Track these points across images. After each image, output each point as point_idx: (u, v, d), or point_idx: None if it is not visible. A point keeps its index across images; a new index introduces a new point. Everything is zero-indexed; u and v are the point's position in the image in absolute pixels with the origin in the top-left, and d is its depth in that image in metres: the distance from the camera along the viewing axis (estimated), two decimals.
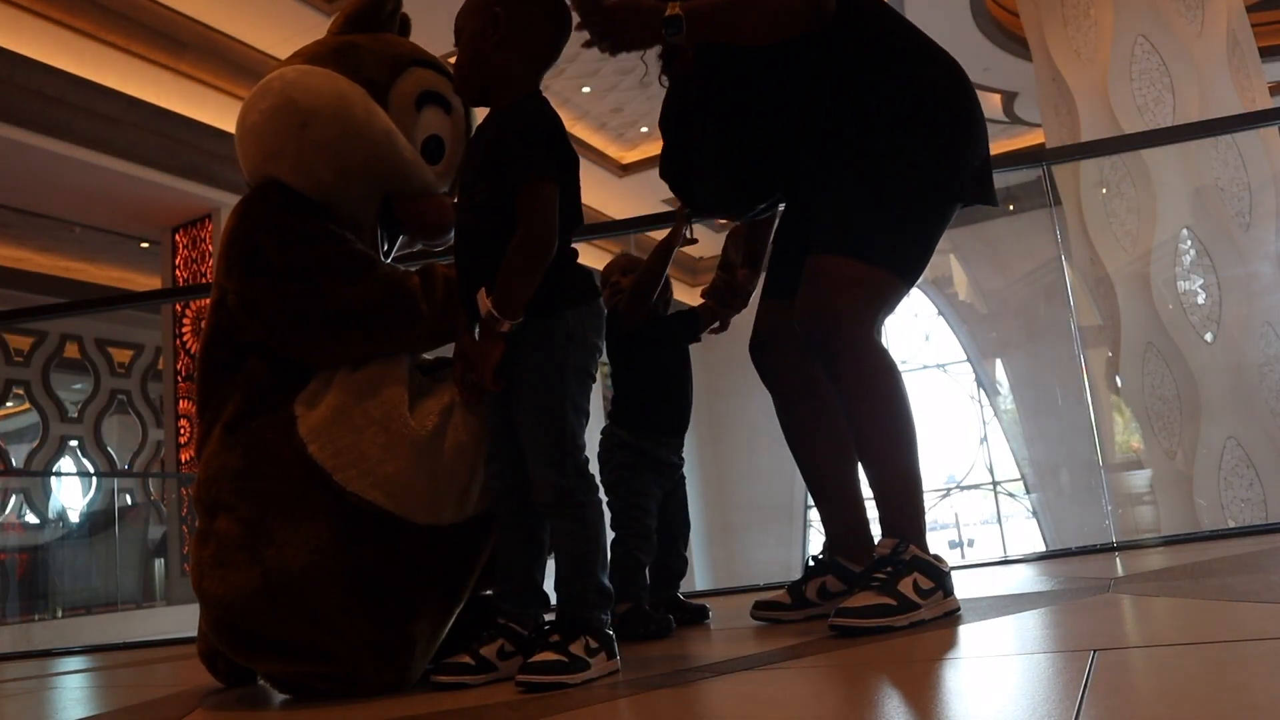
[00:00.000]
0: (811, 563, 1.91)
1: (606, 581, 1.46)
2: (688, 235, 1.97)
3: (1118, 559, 2.54)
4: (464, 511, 1.54)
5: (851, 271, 1.65)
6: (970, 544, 11.86)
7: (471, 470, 1.54)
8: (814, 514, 12.74)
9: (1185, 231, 5.51)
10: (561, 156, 1.48)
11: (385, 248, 1.77)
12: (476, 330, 1.53)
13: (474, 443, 1.55)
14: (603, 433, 1.98)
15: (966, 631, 1.45)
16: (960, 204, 1.74)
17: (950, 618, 1.56)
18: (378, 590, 1.46)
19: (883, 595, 1.50)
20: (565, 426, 1.45)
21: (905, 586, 1.52)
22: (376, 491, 1.47)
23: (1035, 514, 10.27)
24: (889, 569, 1.55)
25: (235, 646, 1.49)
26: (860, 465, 1.74)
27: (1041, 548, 4.96)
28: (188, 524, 8.18)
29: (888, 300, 1.69)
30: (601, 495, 1.52)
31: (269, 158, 1.65)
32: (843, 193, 1.69)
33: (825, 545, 1.91)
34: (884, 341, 1.75)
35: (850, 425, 1.71)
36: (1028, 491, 10.48)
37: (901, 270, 1.69)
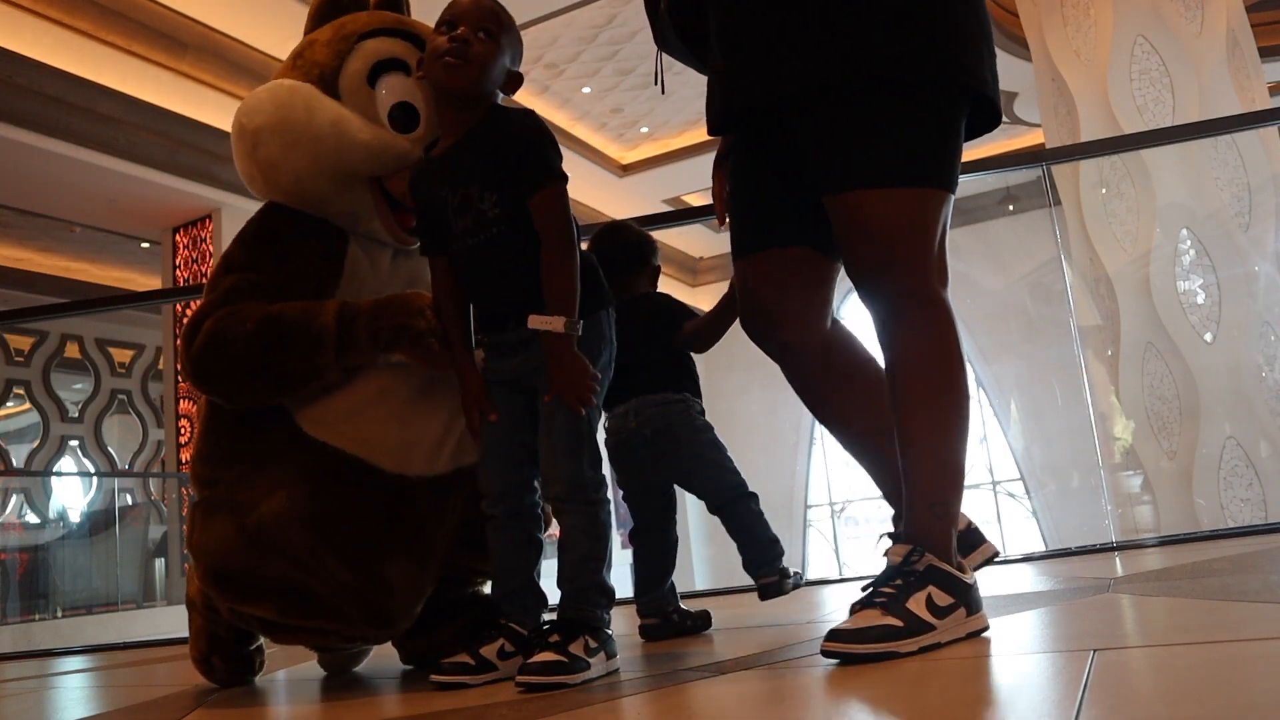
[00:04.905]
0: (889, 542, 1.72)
1: (609, 581, 1.47)
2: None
3: (1118, 559, 2.54)
4: (433, 467, 1.59)
5: (899, 204, 1.40)
6: None
7: (444, 428, 1.59)
8: (814, 514, 12.74)
9: (1185, 231, 5.51)
10: (560, 157, 1.52)
11: (412, 224, 1.70)
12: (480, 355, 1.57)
13: (445, 401, 1.59)
14: (678, 403, 1.88)
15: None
16: (975, 97, 1.46)
17: (974, 639, 1.34)
18: (346, 533, 1.50)
19: (888, 615, 1.27)
20: (588, 422, 1.49)
21: (916, 604, 1.29)
22: (344, 439, 1.53)
23: (1035, 514, 10.26)
24: (898, 582, 1.32)
25: (224, 592, 1.52)
26: (897, 440, 1.45)
27: (1041, 548, 4.96)
28: (188, 524, 8.18)
29: (942, 221, 1.45)
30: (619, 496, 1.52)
31: (250, 184, 1.69)
32: (848, 103, 1.41)
33: (895, 524, 1.70)
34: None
35: (891, 393, 1.44)
36: (1028, 491, 10.47)
37: (946, 179, 1.44)
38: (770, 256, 1.59)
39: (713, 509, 1.89)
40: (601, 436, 1.67)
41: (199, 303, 1.59)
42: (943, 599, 1.31)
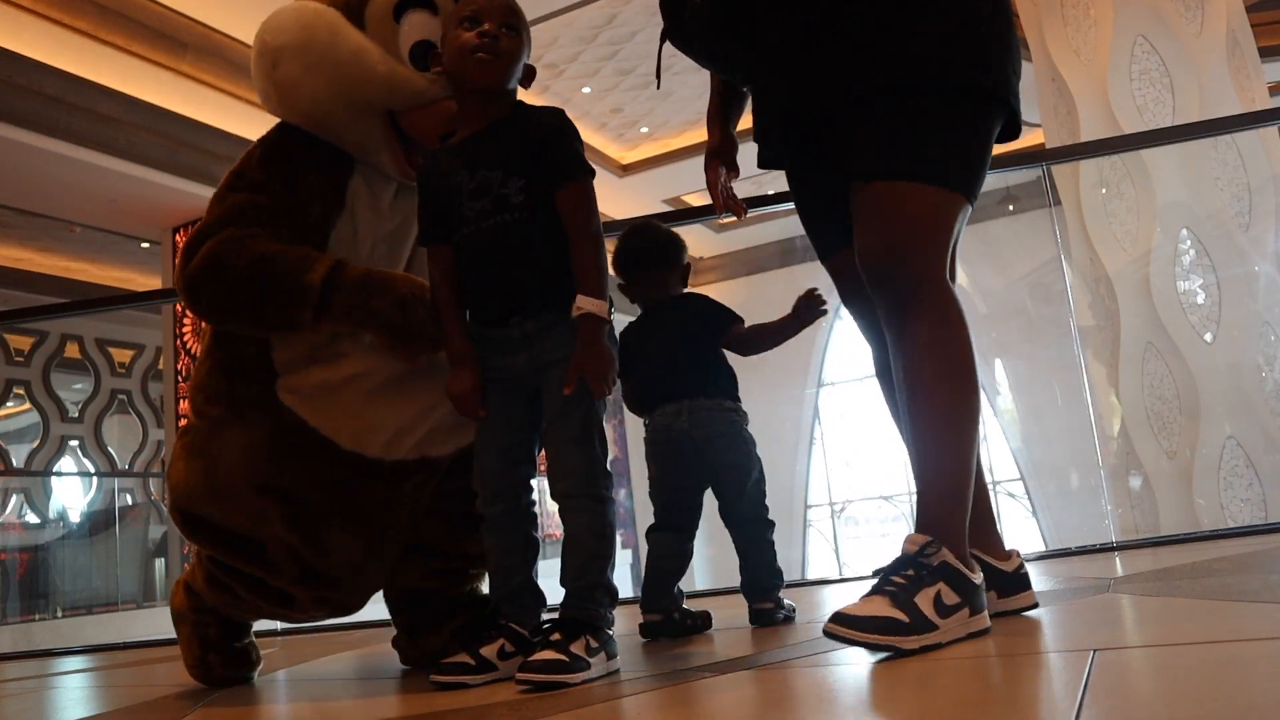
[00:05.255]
0: None
1: (613, 581, 1.47)
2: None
3: (1118, 559, 2.54)
4: (393, 452, 1.61)
5: (915, 198, 1.43)
6: None
7: (413, 418, 1.62)
8: (814, 514, 12.70)
9: (1185, 231, 5.51)
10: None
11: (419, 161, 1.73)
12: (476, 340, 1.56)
13: (422, 391, 1.62)
14: (732, 412, 1.89)
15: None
16: (1006, 110, 1.51)
17: (974, 639, 1.33)
18: (293, 498, 1.56)
19: (895, 607, 1.26)
20: (600, 416, 1.51)
21: (924, 600, 1.28)
22: (310, 411, 1.58)
23: (1035, 514, 10.26)
24: (910, 573, 1.31)
25: (186, 528, 1.64)
26: (909, 431, 1.46)
27: (1041, 548, 4.96)
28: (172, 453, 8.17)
29: (956, 226, 1.48)
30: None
31: (265, 102, 1.72)
32: (884, 102, 1.46)
33: None
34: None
35: (903, 389, 1.45)
36: (1027, 491, 10.47)
37: (967, 187, 1.48)
38: None
39: (731, 521, 1.91)
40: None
41: (203, 217, 1.62)
42: (950, 598, 1.31)
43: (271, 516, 1.56)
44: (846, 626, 1.24)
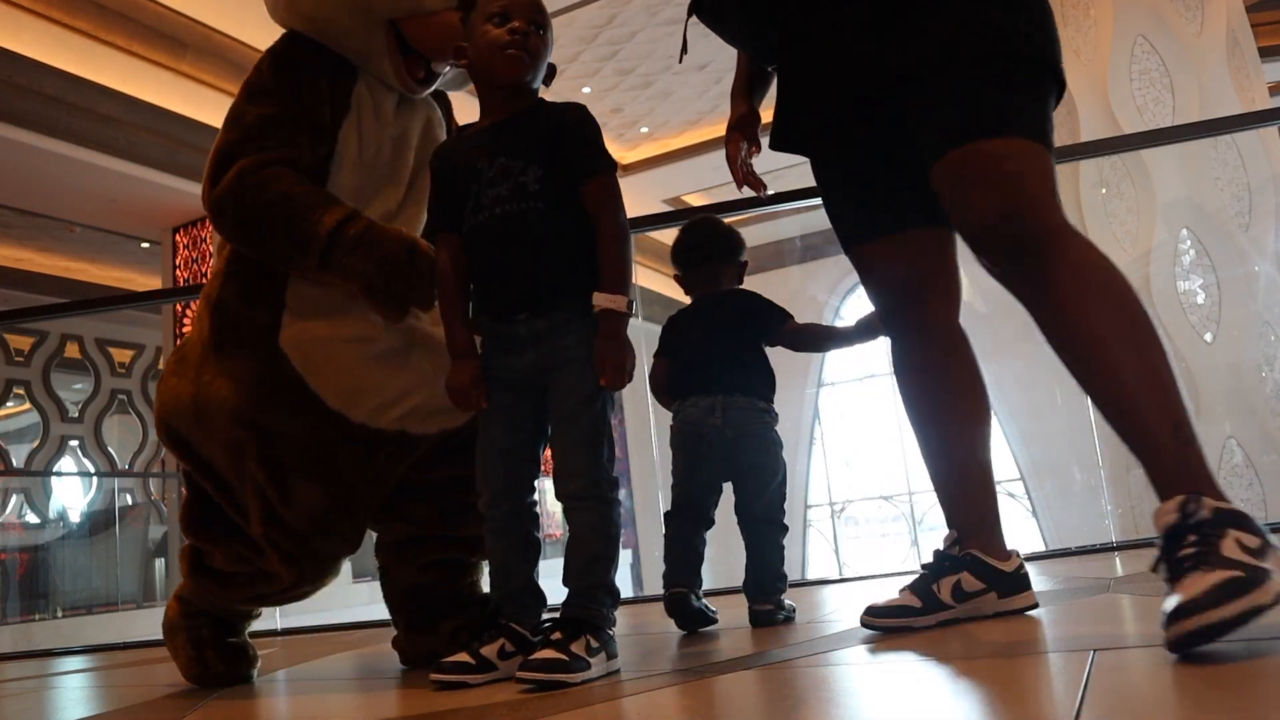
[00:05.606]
0: (933, 558, 1.61)
1: (615, 582, 1.47)
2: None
3: (1118, 559, 2.54)
4: (376, 421, 1.64)
5: (1026, 152, 1.37)
6: None
7: (402, 390, 1.64)
8: (814, 514, 12.65)
9: (1185, 231, 5.51)
10: None
11: (421, 75, 1.75)
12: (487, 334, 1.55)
13: (416, 367, 1.65)
14: (764, 412, 1.89)
15: (966, 631, 1.45)
16: (1056, 81, 1.47)
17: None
18: (270, 443, 1.59)
19: (1217, 570, 1.04)
20: (609, 419, 1.50)
21: (1231, 549, 1.07)
22: (304, 363, 1.61)
23: (1035, 514, 10.26)
24: (1192, 539, 1.10)
25: (171, 443, 1.69)
26: (1092, 395, 1.31)
27: (1041, 548, 4.96)
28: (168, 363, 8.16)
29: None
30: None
31: (271, 11, 1.74)
32: (966, 71, 1.40)
33: (951, 538, 1.61)
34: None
35: (1071, 344, 1.31)
36: (1027, 491, 10.47)
37: (1052, 151, 1.42)
38: (910, 237, 1.60)
39: (745, 519, 1.90)
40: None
41: (222, 135, 1.64)
42: (1251, 540, 1.09)
43: (247, 451, 1.59)
44: (1189, 616, 1.02)
